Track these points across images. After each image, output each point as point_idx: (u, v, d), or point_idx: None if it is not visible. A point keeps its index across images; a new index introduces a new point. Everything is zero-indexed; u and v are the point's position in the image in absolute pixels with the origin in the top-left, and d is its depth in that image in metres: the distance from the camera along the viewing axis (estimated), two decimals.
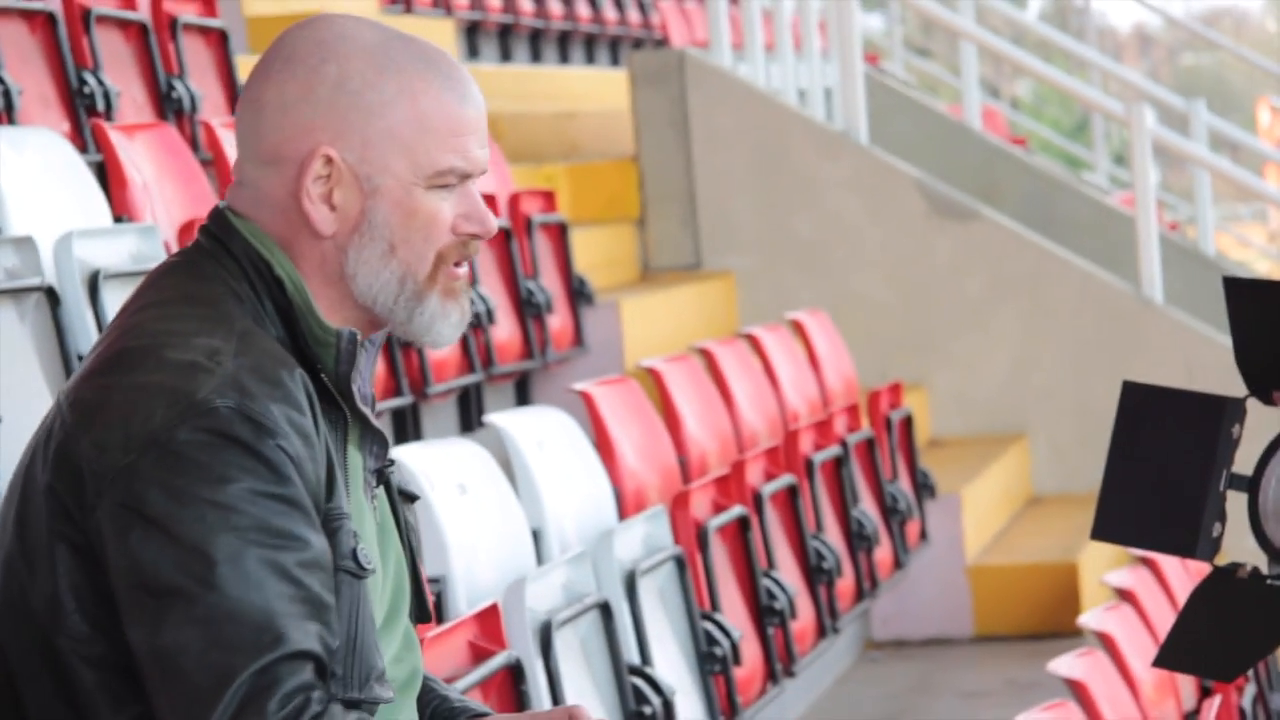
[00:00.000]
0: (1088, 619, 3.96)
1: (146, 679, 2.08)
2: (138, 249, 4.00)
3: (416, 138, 2.19)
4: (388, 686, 2.19)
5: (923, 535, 6.12)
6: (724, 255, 7.68)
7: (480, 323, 5.46)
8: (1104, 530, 2.52)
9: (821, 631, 5.05)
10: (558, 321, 6.03)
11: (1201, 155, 8.81)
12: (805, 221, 7.71)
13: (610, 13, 10.54)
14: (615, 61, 10.57)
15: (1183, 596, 3.92)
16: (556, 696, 3.47)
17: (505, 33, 9.61)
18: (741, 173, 7.69)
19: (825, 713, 5.92)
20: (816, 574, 5.05)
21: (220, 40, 5.59)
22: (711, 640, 4.19)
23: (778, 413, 5.71)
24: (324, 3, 7.15)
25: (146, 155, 4.55)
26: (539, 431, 4.12)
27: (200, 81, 5.39)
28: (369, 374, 2.28)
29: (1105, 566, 6.34)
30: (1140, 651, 3.93)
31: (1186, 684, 4.13)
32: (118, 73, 5.07)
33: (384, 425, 5.19)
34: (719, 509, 4.49)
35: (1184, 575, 4.47)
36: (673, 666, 4.04)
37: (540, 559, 3.88)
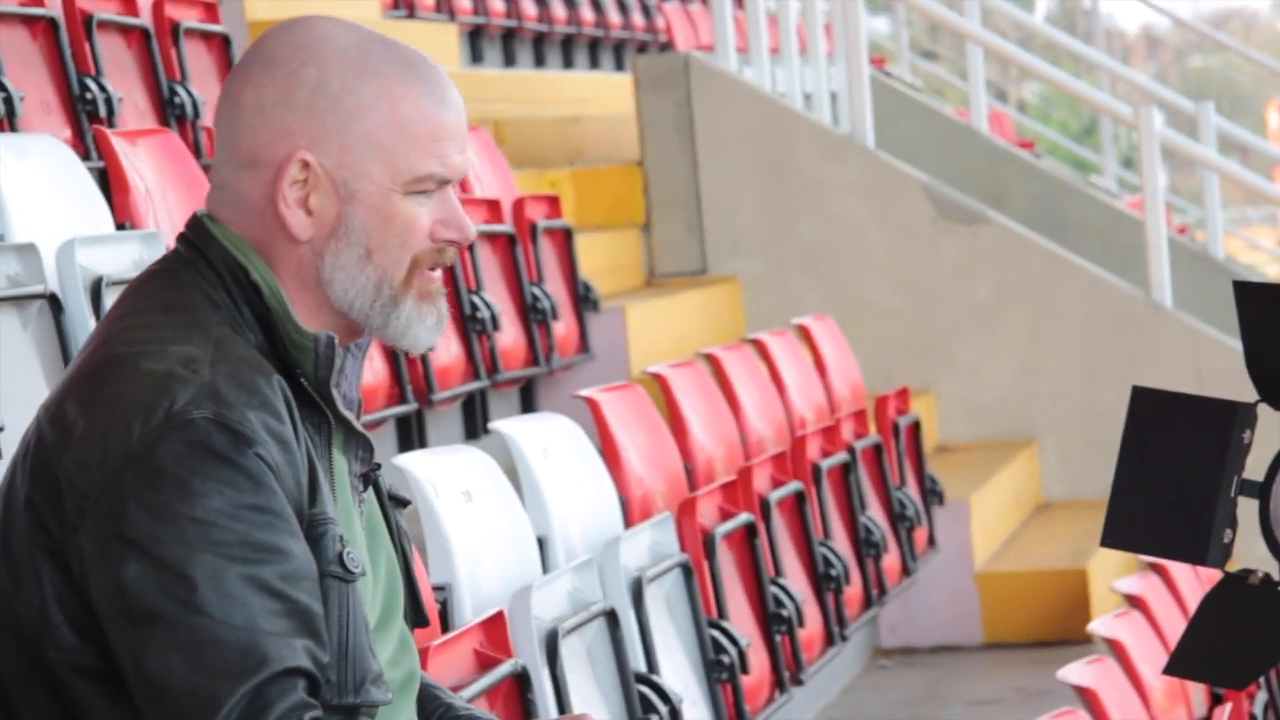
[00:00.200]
0: (1098, 626, 3.94)
1: (138, 702, 2.07)
2: (140, 256, 3.99)
3: (395, 143, 2.18)
4: (385, 689, 2.17)
5: (931, 542, 6.10)
6: (730, 260, 7.66)
7: (485, 329, 5.44)
8: (1114, 537, 2.50)
9: (829, 639, 5.03)
10: (563, 328, 6.01)
11: (1210, 158, 8.79)
12: (811, 226, 7.68)
13: (614, 16, 10.52)
14: (619, 66, 10.55)
15: (1193, 603, 3.90)
16: (563, 705, 3.45)
17: (509, 37, 9.59)
18: (747, 177, 7.67)
19: None
20: (824, 581, 5.02)
21: (222, 45, 5.57)
22: (719, 648, 4.17)
23: (784, 419, 5.68)
24: (327, 6, 7.14)
25: (149, 161, 4.53)
26: (544, 438, 4.10)
27: (203, 87, 5.37)
28: (355, 378, 2.27)
29: (1115, 573, 6.31)
30: (1151, 659, 3.91)
31: (1197, 691, 4.11)
32: (120, 78, 5.06)
33: (388, 432, 5.18)
34: (726, 516, 4.47)
35: (1194, 582, 4.45)
36: (680, 674, 4.02)
37: (546, 566, 3.85)
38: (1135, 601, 4.14)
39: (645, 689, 3.77)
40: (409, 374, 5.02)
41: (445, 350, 5.29)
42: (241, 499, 2.06)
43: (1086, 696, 3.52)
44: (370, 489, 2.29)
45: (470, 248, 5.53)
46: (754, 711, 4.38)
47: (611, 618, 3.70)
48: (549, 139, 7.96)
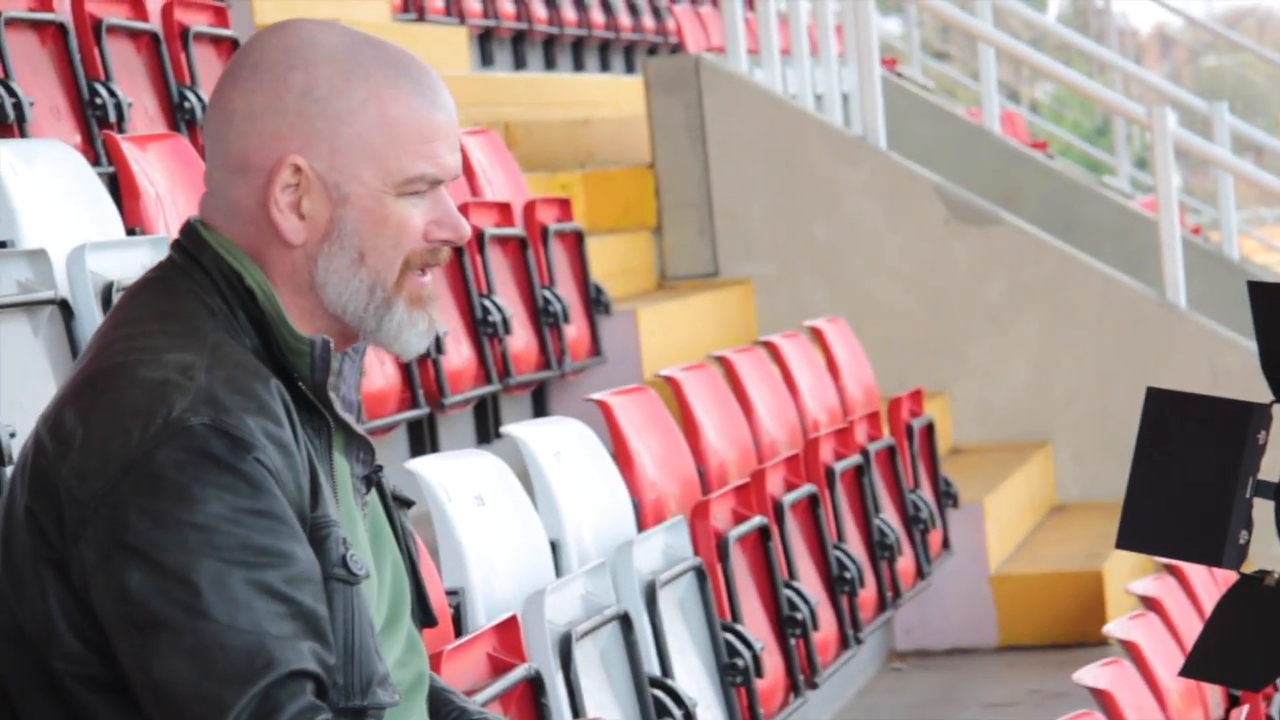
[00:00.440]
0: (1113, 628, 3.92)
1: (146, 709, 2.06)
2: (151, 261, 3.96)
3: (386, 145, 2.17)
4: (392, 691, 2.17)
5: (945, 544, 6.08)
6: (742, 263, 7.64)
7: (496, 332, 5.43)
8: (1129, 539, 2.49)
9: (844, 642, 5.01)
10: (574, 331, 5.99)
11: (1224, 158, 8.76)
12: (823, 228, 7.67)
13: (625, 19, 10.51)
14: (630, 68, 10.54)
15: (1209, 604, 3.88)
16: (577, 708, 3.44)
17: (519, 40, 9.58)
18: (759, 179, 7.66)
19: None
20: (838, 584, 5.01)
21: (232, 49, 5.56)
22: (733, 651, 4.16)
23: (797, 421, 5.67)
24: (334, 10, 7.13)
25: (159, 166, 4.52)
26: (556, 442, 4.09)
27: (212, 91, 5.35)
28: (353, 381, 2.26)
29: (1130, 575, 6.29)
30: (1167, 660, 3.89)
31: (1214, 693, 4.09)
32: (129, 83, 5.05)
33: (400, 437, 5.16)
34: (739, 519, 4.45)
35: (1210, 583, 4.43)
36: (694, 678, 4.01)
37: (559, 570, 3.84)
38: (1151, 603, 4.12)
39: (659, 693, 3.75)
40: (420, 378, 5.01)
41: (457, 354, 5.27)
42: (242, 504, 2.05)
43: (1102, 699, 3.50)
44: (374, 491, 2.29)
45: (481, 251, 5.51)
46: (768, 715, 4.36)
47: (625, 621, 3.69)
48: (560, 142, 7.95)
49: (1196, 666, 2.46)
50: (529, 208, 5.94)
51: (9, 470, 3.38)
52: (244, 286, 2.17)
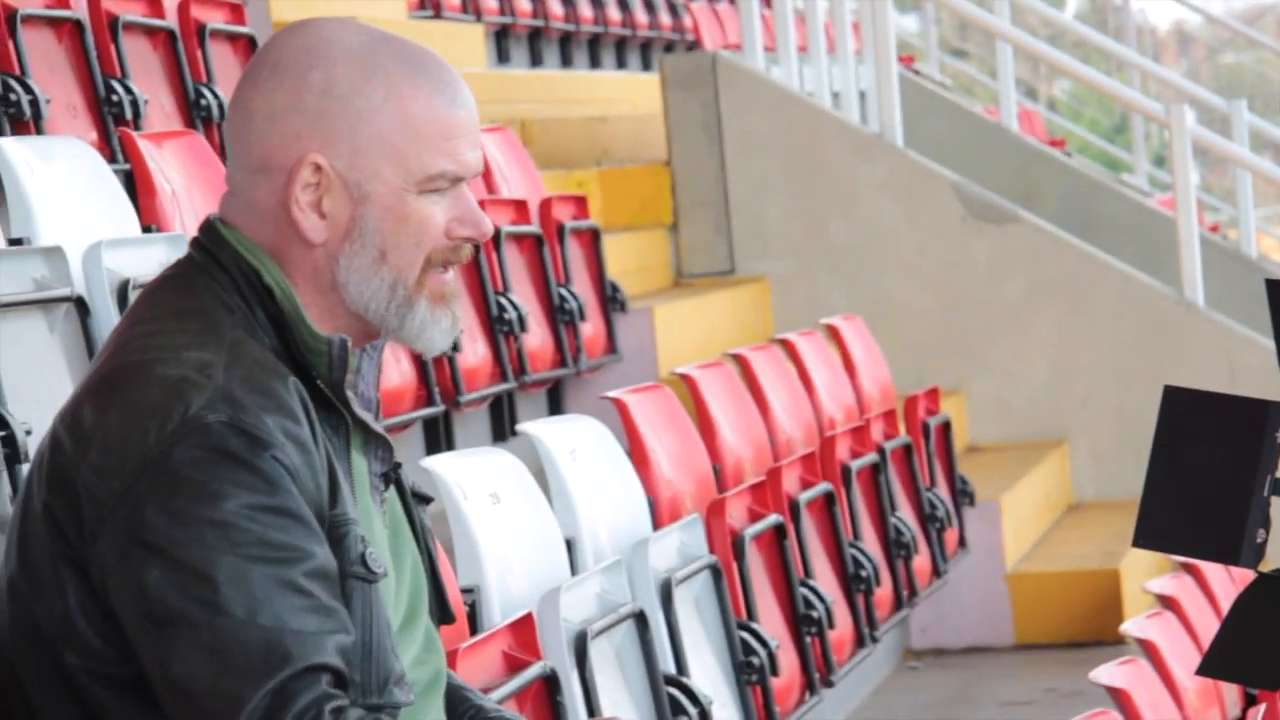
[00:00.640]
0: (1130, 626, 3.91)
1: (165, 707, 2.07)
2: (167, 258, 3.98)
3: (406, 142, 2.17)
4: (408, 690, 2.16)
5: (961, 543, 6.07)
6: (758, 260, 7.63)
7: (512, 330, 5.42)
8: (1146, 537, 2.48)
9: (860, 640, 5.01)
10: (590, 328, 5.99)
11: (1243, 156, 8.74)
12: (840, 225, 7.65)
13: (641, 16, 10.50)
14: (646, 65, 10.53)
15: (1226, 603, 3.86)
16: (592, 707, 3.43)
17: (535, 37, 9.57)
18: (775, 177, 7.64)
19: None
20: (854, 582, 5.00)
21: (248, 47, 5.56)
22: (748, 650, 4.15)
23: (813, 419, 5.66)
24: (351, 8, 7.13)
25: (175, 163, 4.52)
26: (572, 440, 4.09)
27: (228, 88, 5.35)
28: (372, 378, 2.26)
29: (1147, 573, 6.27)
30: (1184, 659, 3.88)
31: (1231, 692, 4.07)
32: (145, 80, 5.05)
33: (415, 434, 5.16)
34: (755, 517, 4.44)
35: (1227, 582, 4.42)
36: (709, 676, 4.00)
37: (574, 568, 3.84)
38: (1168, 602, 4.11)
39: (674, 691, 3.75)
40: (436, 376, 5.01)
41: (472, 352, 5.27)
42: (259, 501, 2.06)
43: (1119, 698, 3.49)
44: (392, 488, 2.28)
45: (497, 249, 5.51)
46: (784, 713, 4.36)
47: (640, 619, 3.69)
48: (576, 139, 7.94)
49: (1214, 665, 2.45)
50: (545, 205, 5.93)
51: (25, 468, 3.39)
52: (262, 285, 2.17)
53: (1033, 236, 7.66)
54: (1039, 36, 11.17)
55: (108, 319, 3.79)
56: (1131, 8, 13.56)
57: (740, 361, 5.44)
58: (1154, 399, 2.53)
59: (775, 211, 7.64)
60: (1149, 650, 3.80)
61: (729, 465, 4.95)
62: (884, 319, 7.29)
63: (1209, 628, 4.05)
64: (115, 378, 2.12)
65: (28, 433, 3.42)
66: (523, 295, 5.60)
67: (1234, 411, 2.39)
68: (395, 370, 4.83)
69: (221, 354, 2.12)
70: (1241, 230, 9.34)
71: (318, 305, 2.19)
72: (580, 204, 6.14)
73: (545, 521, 3.78)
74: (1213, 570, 4.39)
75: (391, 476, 2.27)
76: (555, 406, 6.01)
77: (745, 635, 4.17)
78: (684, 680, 3.78)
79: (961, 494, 6.16)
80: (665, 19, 10.77)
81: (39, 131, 4.56)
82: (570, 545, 3.89)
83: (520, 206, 5.80)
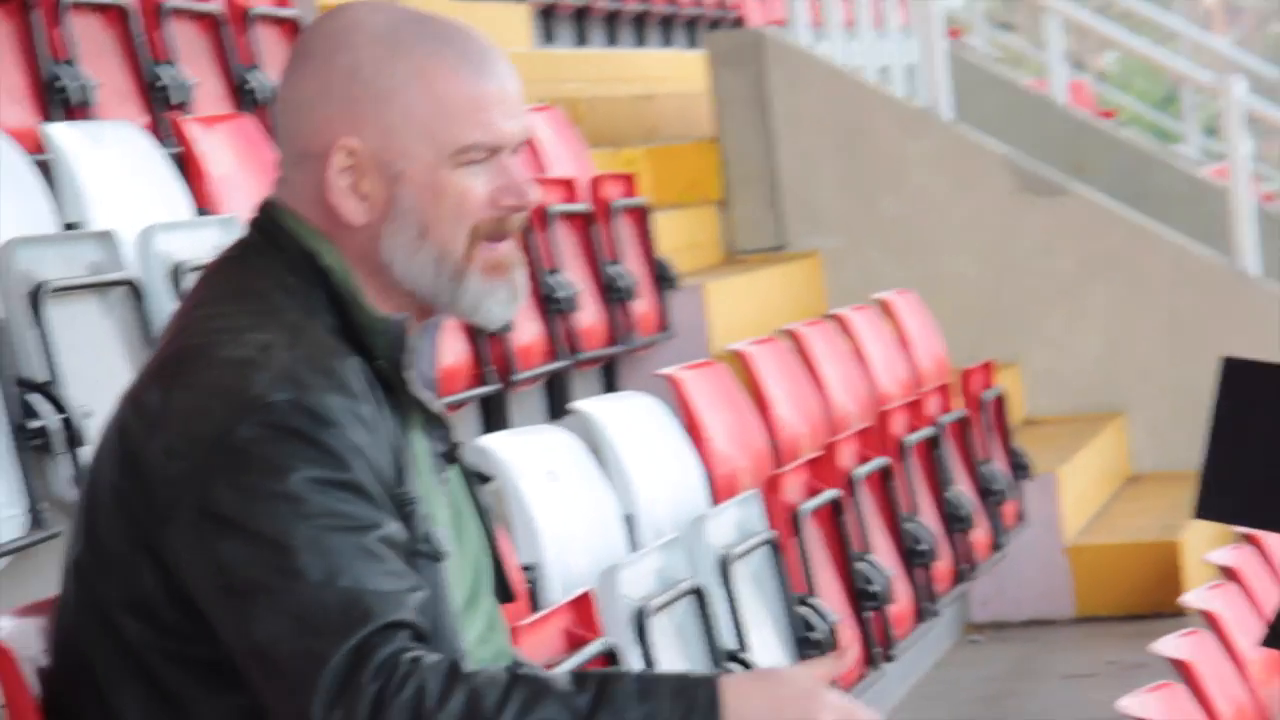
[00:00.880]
0: (1191, 598, 3.87)
1: (249, 677, 2.06)
2: (219, 240, 3.98)
3: (434, 117, 2.16)
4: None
5: (1020, 516, 6.03)
6: (809, 236, 7.60)
7: (564, 309, 5.41)
8: (1206, 509, 2.46)
9: (919, 615, 4.98)
10: (642, 306, 5.97)
11: None
12: (891, 200, 7.62)
13: None
14: (692, 43, 10.50)
15: None
16: None
17: (581, 16, 9.55)
18: (824, 152, 7.61)
19: (925, 696, 5.85)
20: (913, 556, 4.97)
21: (294, 30, 5.56)
22: (808, 625, 4.13)
23: (868, 394, 5.63)
24: None
25: (225, 147, 4.52)
26: (627, 417, 4.07)
27: (276, 71, 5.35)
28: (429, 357, 2.25)
29: (1207, 544, 6.23)
30: (1246, 630, 3.84)
31: None
32: (193, 65, 5.05)
33: (471, 413, 5.15)
34: (812, 492, 4.42)
35: None
36: (770, 651, 3.99)
37: (633, 545, 3.83)
38: (1229, 573, 4.08)
39: (736, 666, 3.73)
40: (490, 355, 5.00)
41: (525, 330, 5.26)
42: (326, 475, 2.06)
43: (1182, 669, 3.46)
44: (453, 467, 2.28)
45: (547, 227, 5.50)
46: (845, 688, 4.33)
47: (699, 596, 3.67)
48: (624, 117, 7.92)
49: (1278, 637, 2.43)
50: (594, 184, 5.91)
51: (85, 451, 3.39)
52: (320, 266, 2.18)
53: (1084, 209, 7.62)
54: (1087, 8, 11.09)
55: (162, 302, 3.80)
56: None
57: (794, 337, 5.41)
58: (1209, 370, 2.51)
59: (825, 187, 7.61)
60: (1211, 622, 3.77)
61: (785, 441, 4.93)
62: (936, 293, 7.25)
63: (1271, 599, 4.01)
64: (179, 360, 2.13)
65: (87, 415, 3.42)
66: (574, 274, 5.58)
67: None
68: (449, 350, 4.82)
69: (283, 335, 2.12)
70: None
71: (373, 285, 2.19)
72: (629, 182, 6.12)
73: (603, 499, 3.77)
74: (1274, 540, 4.35)
75: (453, 456, 2.26)
76: (609, 384, 5.99)
77: (805, 610, 4.15)
78: (744, 655, 3.77)
79: (1018, 467, 6.13)
80: None
81: (89, 117, 4.56)
82: (628, 522, 3.88)
83: (569, 186, 5.78)
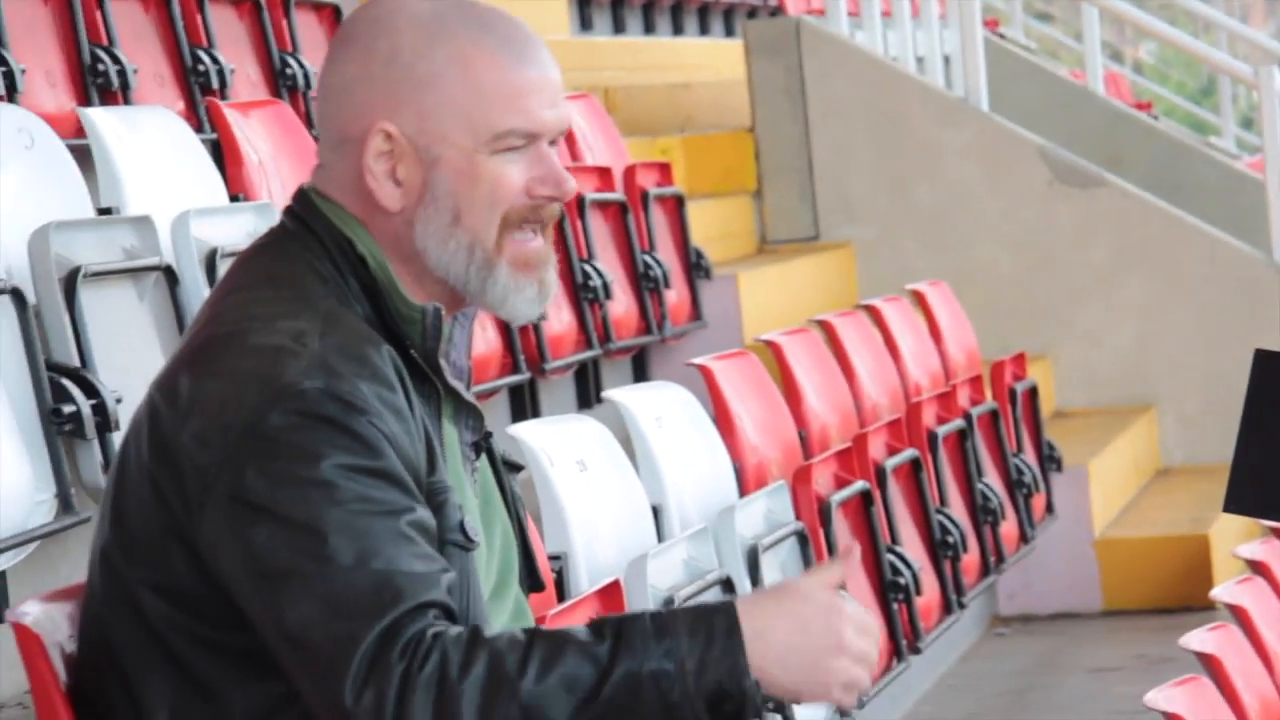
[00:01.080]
0: (1220, 592, 3.87)
1: (282, 662, 2.07)
2: (255, 227, 4.00)
3: (472, 103, 2.17)
4: None
5: (1049, 508, 6.03)
6: (843, 226, 7.60)
7: (597, 297, 5.42)
8: (1236, 503, 2.46)
9: (947, 607, 4.99)
10: (675, 295, 5.98)
11: None
12: (925, 191, 7.61)
13: None
14: (729, 31, 10.49)
15: None
16: None
17: (618, 4, 9.56)
18: (860, 142, 7.61)
19: (951, 689, 5.85)
20: (941, 549, 4.98)
21: (333, 16, 5.58)
22: None
23: (899, 385, 5.63)
24: None
25: (262, 133, 4.54)
26: (658, 407, 4.08)
27: (314, 58, 5.37)
28: (464, 347, 2.27)
29: (1237, 538, 6.22)
30: (1275, 625, 3.83)
31: None
32: (231, 50, 5.07)
33: (501, 402, 5.17)
34: (841, 484, 4.43)
35: None
36: None
37: (661, 535, 3.84)
38: (1258, 567, 4.07)
39: None
40: (522, 344, 5.02)
41: (557, 319, 5.28)
42: (357, 462, 2.06)
43: (1210, 664, 3.46)
44: (483, 457, 2.29)
45: (582, 216, 5.51)
46: (872, 679, 4.34)
47: (727, 586, 3.68)
48: (659, 106, 7.93)
49: None
50: (629, 172, 5.92)
51: (116, 436, 3.41)
52: (355, 254, 2.18)
53: (1119, 200, 7.60)
54: None
55: (196, 288, 3.81)
56: None
57: (826, 328, 5.42)
58: (1243, 363, 2.51)
59: (860, 177, 7.61)
60: (1240, 616, 3.76)
61: (815, 432, 4.94)
62: (969, 284, 7.25)
63: None
64: (211, 347, 2.13)
65: (118, 401, 3.44)
66: (607, 263, 5.60)
67: None
68: (481, 338, 4.84)
69: (316, 323, 2.12)
70: None
71: (407, 273, 2.20)
72: (664, 171, 6.13)
73: (632, 488, 3.78)
74: None
75: (483, 446, 2.27)
76: (640, 374, 6.00)
77: None
78: None
79: (1049, 460, 6.13)
80: None
81: (127, 102, 4.59)
82: (657, 512, 3.89)
83: (604, 174, 5.79)
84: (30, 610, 2.18)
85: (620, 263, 5.72)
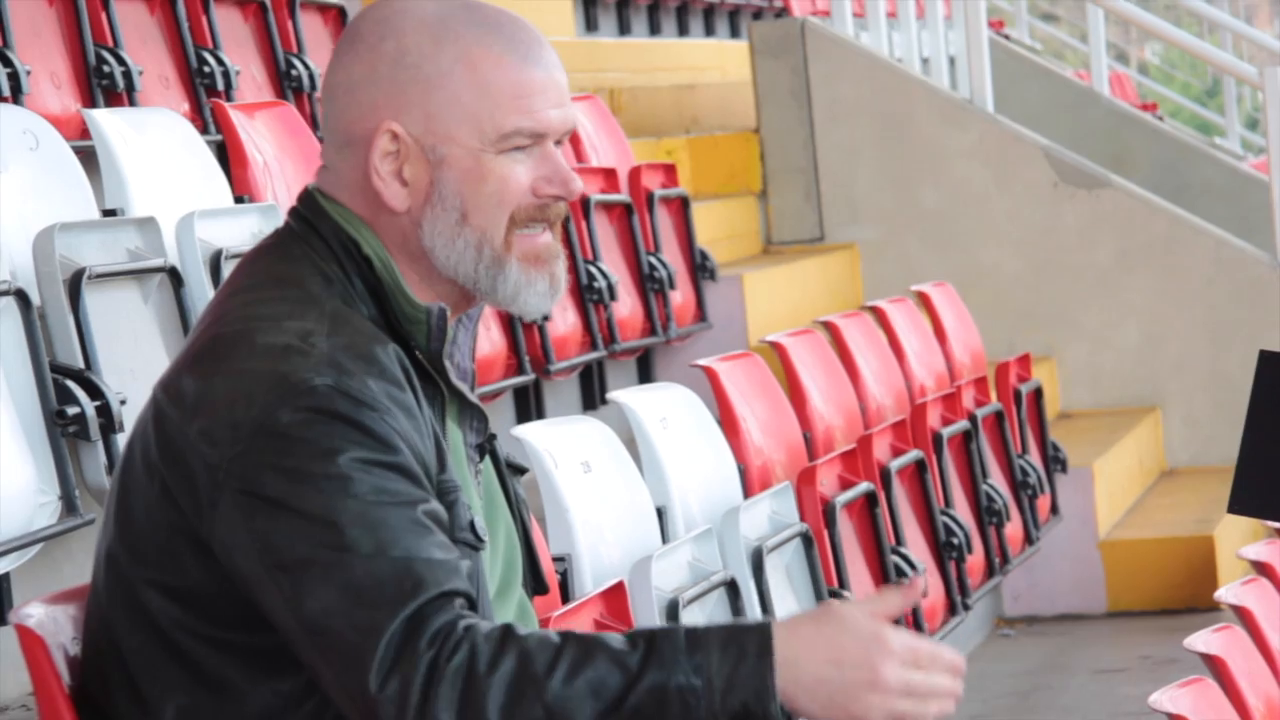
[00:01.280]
0: (1225, 593, 3.87)
1: (302, 654, 2.06)
2: (259, 228, 4.01)
3: (478, 103, 2.18)
4: None
5: (1054, 510, 6.03)
6: (847, 228, 7.60)
7: (602, 299, 5.42)
8: (1241, 503, 2.46)
9: (952, 608, 4.99)
10: (680, 297, 5.98)
11: None
12: (930, 192, 7.61)
13: None
14: (735, 32, 10.49)
15: None
16: None
17: (623, 5, 9.56)
18: (865, 143, 7.61)
19: None
20: (946, 550, 4.98)
21: (339, 17, 5.59)
22: None
23: (904, 386, 5.63)
24: None
25: (267, 134, 4.55)
26: (662, 408, 4.08)
27: (319, 59, 5.38)
28: (468, 349, 2.27)
29: (1242, 540, 6.22)
30: (1279, 626, 3.83)
31: None
32: (237, 52, 5.08)
33: (506, 403, 5.17)
34: (846, 485, 4.43)
35: None
36: None
37: (666, 537, 3.84)
38: (1263, 568, 4.07)
39: None
40: (526, 345, 5.02)
41: (562, 320, 5.28)
42: (370, 455, 2.07)
43: (1215, 665, 3.46)
44: (487, 459, 2.29)
45: (586, 217, 5.51)
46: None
47: (732, 587, 3.68)
48: (665, 107, 7.93)
49: None
50: (634, 173, 5.92)
51: (121, 438, 3.42)
52: (361, 254, 2.19)
53: (1124, 202, 7.60)
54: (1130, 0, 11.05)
55: (201, 289, 3.82)
56: None
57: (831, 329, 5.42)
58: (1248, 364, 2.51)
59: (865, 178, 7.61)
60: (1244, 617, 3.76)
61: (819, 433, 4.94)
62: (974, 285, 7.25)
63: None
64: (216, 347, 2.13)
65: (122, 402, 3.44)
66: (612, 264, 5.60)
67: None
68: (485, 339, 4.84)
69: (323, 323, 2.13)
70: None
71: (413, 274, 2.20)
72: (669, 172, 6.13)
73: (636, 490, 3.78)
74: None
75: (486, 447, 2.27)
76: (645, 375, 6.01)
77: None
78: None
79: (1054, 461, 6.13)
80: None
81: (132, 103, 4.59)
82: (661, 514, 3.89)
83: (609, 175, 5.79)
84: (34, 612, 2.18)
85: (625, 264, 5.72)
